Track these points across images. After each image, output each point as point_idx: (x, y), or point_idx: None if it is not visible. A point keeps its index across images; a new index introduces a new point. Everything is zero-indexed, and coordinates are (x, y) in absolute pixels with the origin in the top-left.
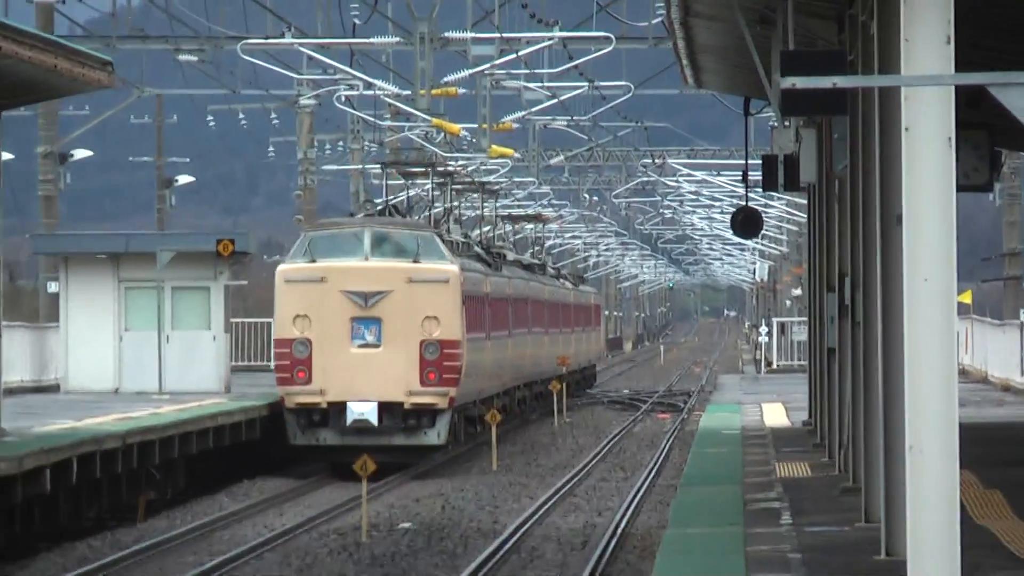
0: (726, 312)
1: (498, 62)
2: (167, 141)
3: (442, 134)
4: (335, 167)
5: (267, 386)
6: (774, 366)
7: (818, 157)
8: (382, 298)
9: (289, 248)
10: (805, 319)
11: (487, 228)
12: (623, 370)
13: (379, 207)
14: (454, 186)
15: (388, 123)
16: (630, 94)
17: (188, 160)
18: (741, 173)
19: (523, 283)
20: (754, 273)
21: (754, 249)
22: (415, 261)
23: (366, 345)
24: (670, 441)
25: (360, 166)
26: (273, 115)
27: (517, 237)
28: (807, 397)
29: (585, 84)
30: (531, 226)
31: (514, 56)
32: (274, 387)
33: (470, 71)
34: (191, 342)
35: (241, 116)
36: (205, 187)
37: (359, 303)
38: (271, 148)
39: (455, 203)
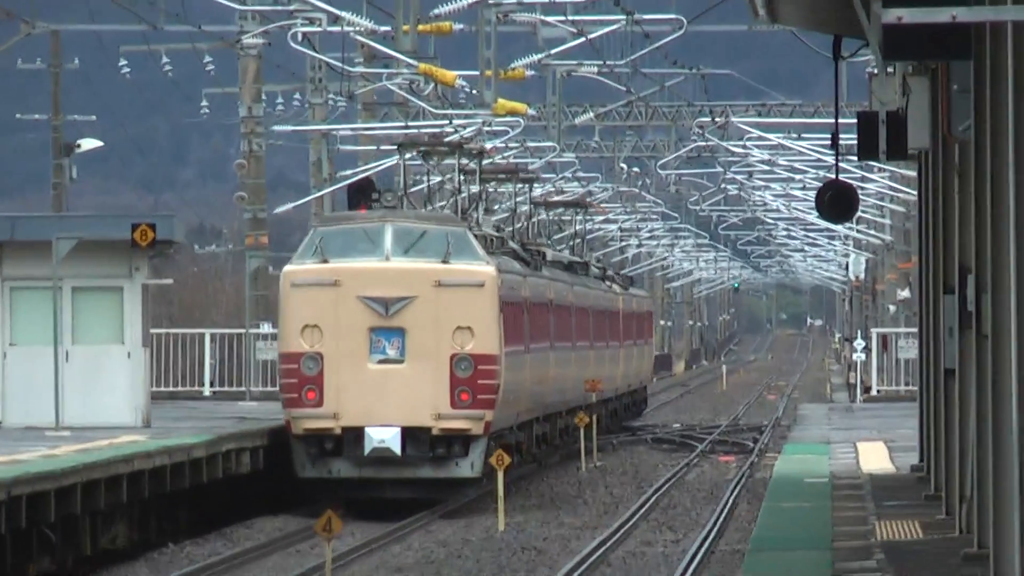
0: (809, 321)
1: None
2: (66, 93)
3: (432, 84)
4: (289, 128)
5: (200, 419)
6: (874, 392)
7: (932, 115)
8: (406, 305)
9: (231, 235)
10: (915, 331)
11: (520, 220)
12: (672, 397)
13: (399, 197)
14: (483, 172)
15: (360, 69)
16: (682, 31)
17: (94, 119)
18: (830, 136)
19: (566, 287)
20: (847, 270)
21: (847, 238)
22: (444, 261)
23: (387, 360)
24: (735, 492)
25: (323, 126)
26: (207, 59)
27: (553, 228)
28: (917, 434)
29: (622, 18)
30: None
31: None
32: (210, 421)
33: (469, 0)
34: (98, 360)
35: (165, 61)
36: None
37: (379, 311)
38: (204, 103)
39: (485, 190)
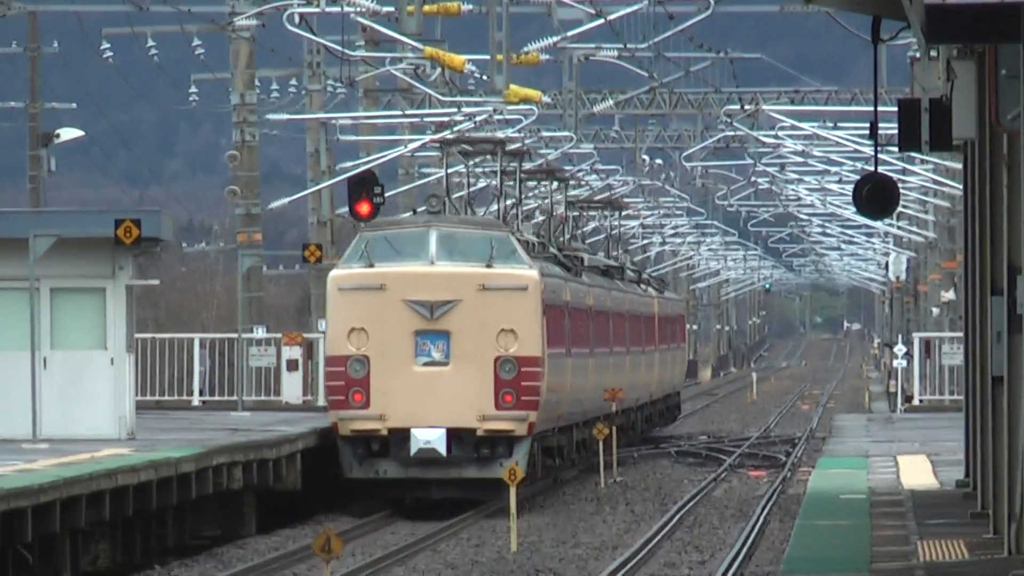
0: (846, 325)
1: None
2: (44, 79)
3: (439, 69)
4: (285, 116)
5: (189, 430)
6: (916, 402)
7: (979, 103)
8: (451, 308)
9: (222, 232)
10: (960, 335)
11: (556, 221)
12: (699, 407)
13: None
14: (522, 172)
15: (361, 53)
16: (708, 12)
17: (74, 106)
18: (868, 125)
19: (604, 292)
20: (887, 269)
21: (887, 235)
22: (488, 266)
23: (432, 363)
24: (766, 509)
25: (321, 114)
26: (196, 42)
27: (586, 229)
28: (963, 447)
29: None
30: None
31: None
32: (207, 433)
33: None
34: (79, 367)
35: (151, 44)
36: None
37: (424, 314)
38: (193, 89)
39: (523, 192)
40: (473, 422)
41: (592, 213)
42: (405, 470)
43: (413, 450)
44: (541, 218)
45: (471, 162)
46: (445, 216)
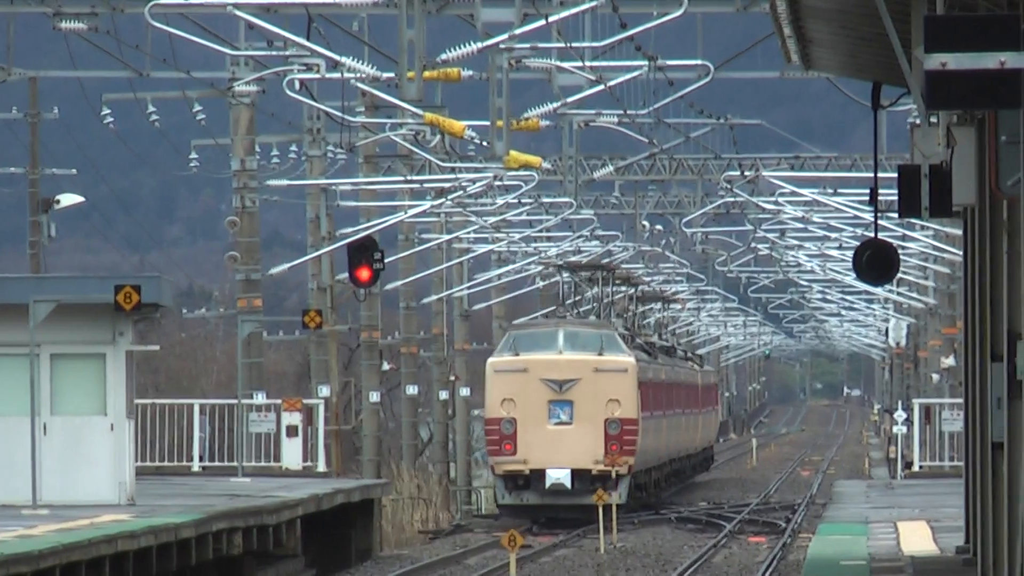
0: (846, 391)
1: (520, 31)
2: (45, 145)
3: (439, 134)
4: (285, 182)
5: (189, 496)
6: (916, 468)
7: (979, 169)
8: (574, 385)
9: (222, 298)
10: (960, 401)
11: (629, 314)
12: (699, 474)
13: (569, 309)
14: (627, 289)
15: (362, 119)
16: (708, 78)
17: (75, 172)
18: (869, 192)
19: (669, 368)
20: (887, 335)
21: (887, 301)
22: (600, 354)
23: (561, 423)
24: None
25: (321, 180)
26: (197, 108)
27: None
28: (963, 513)
29: (645, 64)
30: (658, 308)
31: (543, 23)
32: (207, 499)
33: (480, 44)
34: (78, 433)
35: (151, 110)
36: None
37: (555, 389)
38: (194, 155)
39: (611, 298)
40: (590, 464)
41: (650, 305)
42: (542, 498)
43: (547, 484)
44: (618, 310)
45: (577, 278)
46: (569, 319)
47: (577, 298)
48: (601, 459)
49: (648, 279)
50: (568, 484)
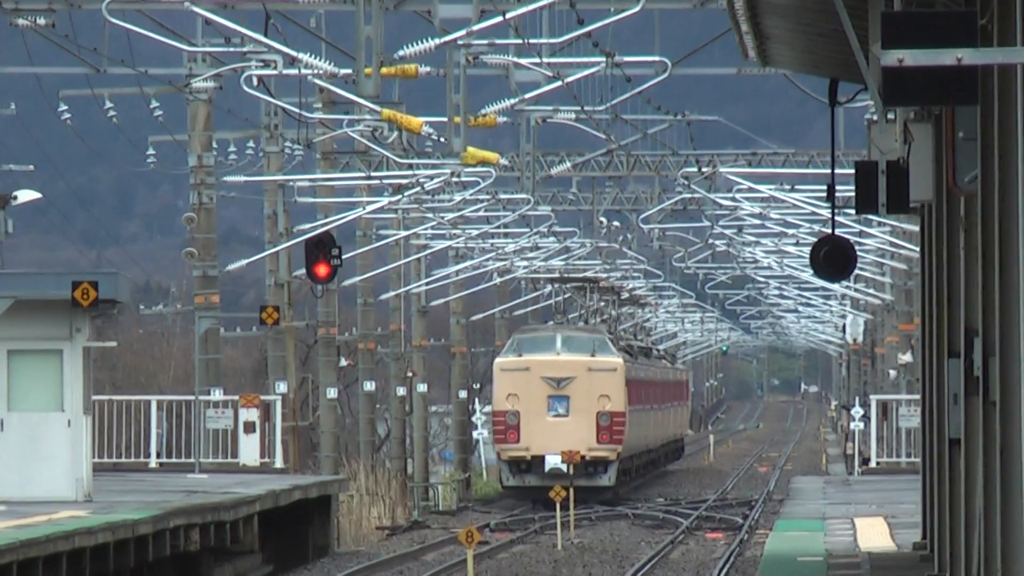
0: (803, 387)
1: (477, 28)
2: (1, 141)
3: (397, 131)
4: (243, 178)
5: (146, 492)
6: (873, 464)
7: (936, 165)
8: (570, 382)
9: (179, 294)
10: (917, 397)
11: (612, 320)
12: (655, 470)
13: (567, 317)
14: (609, 297)
15: (319, 115)
16: (666, 75)
17: (32, 168)
18: (825, 188)
19: (649, 367)
20: (844, 332)
21: (844, 297)
22: (592, 355)
23: (558, 415)
24: (723, 572)
25: (279, 176)
26: (154, 104)
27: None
28: (920, 509)
29: (602, 60)
30: (631, 309)
31: (500, 19)
32: (164, 495)
33: (437, 41)
34: (35, 429)
35: (108, 106)
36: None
37: (553, 385)
38: (151, 151)
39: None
40: (583, 451)
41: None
42: (541, 480)
43: (546, 468)
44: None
45: (564, 288)
46: (565, 325)
47: (559, 302)
48: (593, 447)
49: (619, 285)
50: (564, 468)
